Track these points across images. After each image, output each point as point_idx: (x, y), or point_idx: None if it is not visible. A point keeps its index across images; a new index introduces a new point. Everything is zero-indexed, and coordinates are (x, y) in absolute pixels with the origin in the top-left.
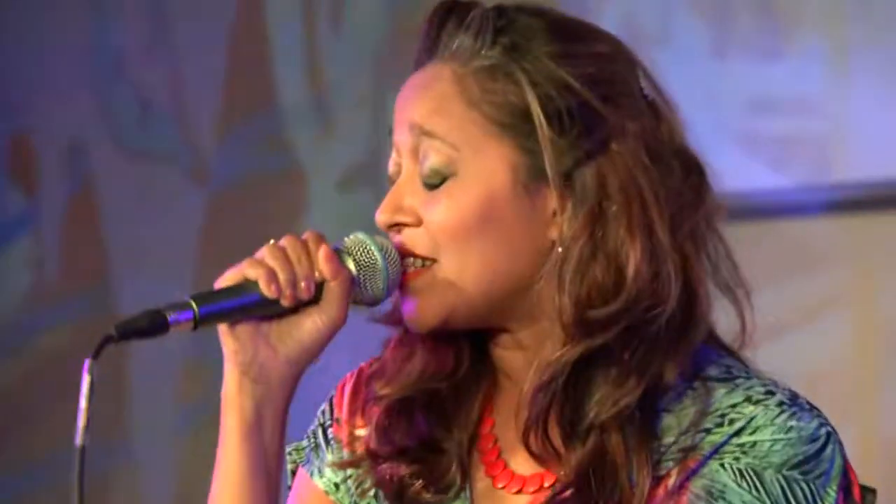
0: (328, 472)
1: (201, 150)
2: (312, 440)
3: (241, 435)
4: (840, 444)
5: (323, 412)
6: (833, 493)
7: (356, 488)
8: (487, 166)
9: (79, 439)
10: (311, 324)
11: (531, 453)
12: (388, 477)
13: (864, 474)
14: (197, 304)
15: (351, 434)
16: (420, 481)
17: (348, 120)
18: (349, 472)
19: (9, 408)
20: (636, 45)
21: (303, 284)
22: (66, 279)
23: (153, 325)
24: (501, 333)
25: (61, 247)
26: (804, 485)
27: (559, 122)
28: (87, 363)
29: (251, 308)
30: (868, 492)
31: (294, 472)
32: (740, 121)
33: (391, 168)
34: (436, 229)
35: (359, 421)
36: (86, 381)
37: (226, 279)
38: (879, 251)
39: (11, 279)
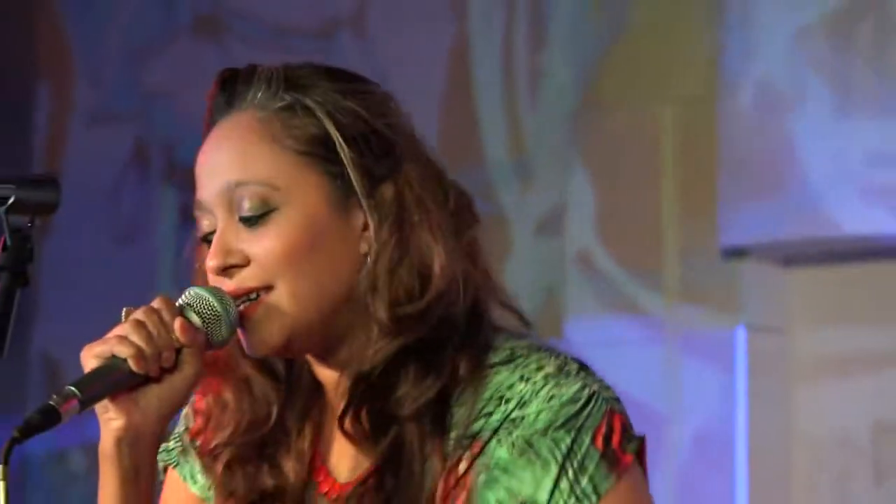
0: (200, 477)
1: None
2: (179, 443)
3: (119, 483)
4: (608, 399)
5: (186, 416)
6: (588, 438)
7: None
8: (303, 195)
9: None
10: (176, 383)
11: (347, 437)
12: None
13: None
14: (79, 391)
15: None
16: None
17: (544, 174)
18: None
19: None
20: (771, 109)
21: (165, 355)
22: None
23: (49, 418)
24: (325, 355)
25: None
26: (567, 437)
27: (357, 145)
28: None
29: (123, 383)
30: (634, 439)
31: (164, 471)
32: (860, 172)
33: (204, 226)
34: (265, 260)
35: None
36: (1, 487)
37: (95, 356)
38: None
39: None
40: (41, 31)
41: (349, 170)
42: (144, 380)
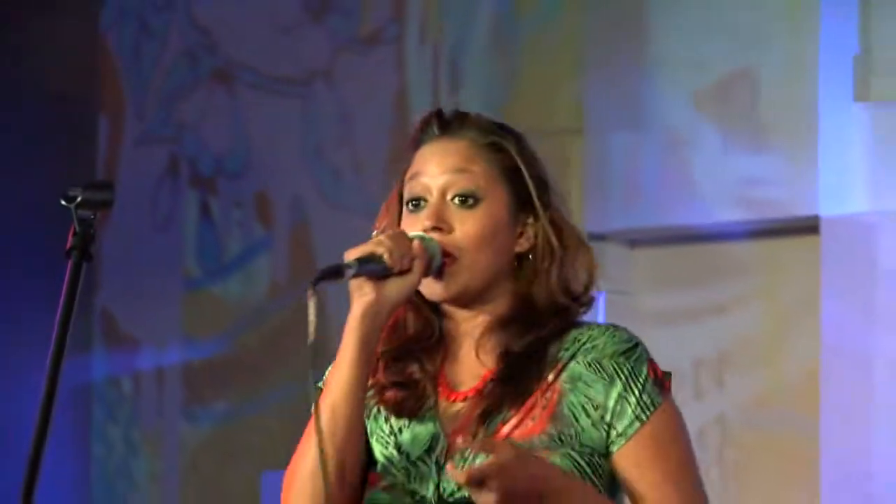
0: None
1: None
2: (325, 377)
3: (359, 345)
4: (646, 349)
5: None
6: (645, 369)
7: (366, 410)
8: (496, 200)
9: (310, 338)
10: (407, 281)
11: (478, 359)
12: (390, 398)
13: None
14: (359, 264)
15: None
16: (410, 401)
17: None
18: None
19: (253, 360)
20: (622, 138)
21: (405, 261)
22: (289, 283)
23: (336, 271)
24: (466, 310)
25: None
26: (627, 364)
27: (533, 178)
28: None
29: (378, 272)
30: (667, 375)
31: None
32: (681, 180)
33: (418, 191)
34: (462, 235)
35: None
36: (312, 304)
37: (357, 252)
38: (781, 263)
39: (257, 280)
40: (104, 76)
41: (532, 192)
42: (388, 274)
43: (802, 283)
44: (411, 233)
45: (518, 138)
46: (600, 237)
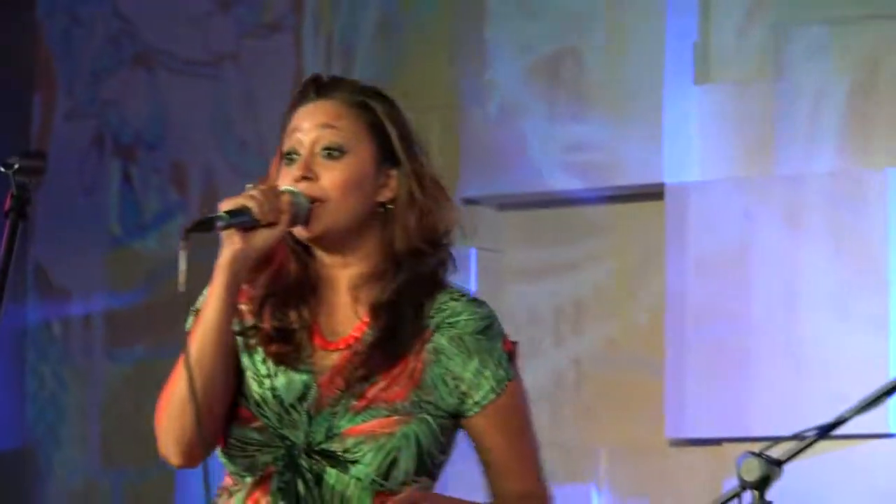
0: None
1: None
2: (199, 305)
3: (225, 287)
4: (500, 325)
5: (203, 293)
6: (500, 346)
7: (243, 343)
8: (362, 151)
9: (181, 286)
10: (273, 233)
11: (353, 304)
12: (270, 346)
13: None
14: (229, 217)
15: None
16: (287, 349)
17: None
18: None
19: (168, 307)
20: (494, 113)
21: (272, 215)
22: None
23: (208, 223)
24: (337, 255)
25: None
26: (485, 341)
27: (398, 134)
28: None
29: (247, 223)
30: (515, 345)
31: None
32: (547, 154)
33: (292, 145)
34: (329, 183)
35: (242, 301)
36: (182, 256)
37: (229, 204)
38: (631, 224)
39: (172, 238)
40: (39, 60)
41: (396, 146)
42: (256, 226)
43: (649, 241)
44: (283, 186)
45: (386, 98)
46: (474, 201)
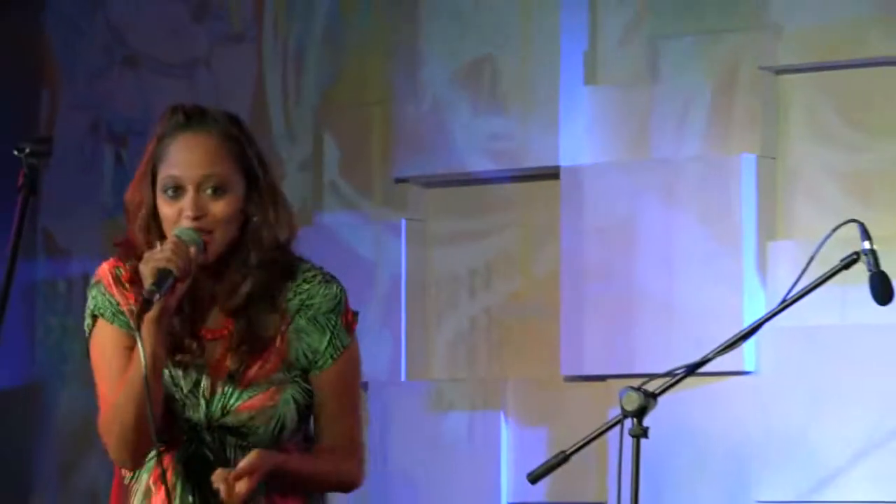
0: (121, 318)
1: None
2: (95, 310)
3: (157, 334)
4: (345, 298)
5: (94, 297)
6: (340, 320)
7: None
8: (236, 185)
9: (144, 370)
10: (187, 280)
11: (230, 313)
12: (168, 348)
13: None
14: (158, 289)
15: (126, 308)
16: (181, 350)
17: (304, 138)
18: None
19: None
20: (426, 110)
21: (188, 266)
22: None
23: (147, 306)
24: (208, 268)
25: None
26: (332, 317)
27: (261, 164)
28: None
29: (172, 285)
30: (355, 315)
31: (90, 333)
32: (467, 142)
33: (176, 181)
34: (217, 218)
35: (128, 300)
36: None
37: (151, 275)
38: (532, 200)
39: None
40: (46, 61)
41: (260, 176)
42: (177, 281)
43: (548, 214)
44: (176, 230)
45: (241, 124)
46: (404, 180)
